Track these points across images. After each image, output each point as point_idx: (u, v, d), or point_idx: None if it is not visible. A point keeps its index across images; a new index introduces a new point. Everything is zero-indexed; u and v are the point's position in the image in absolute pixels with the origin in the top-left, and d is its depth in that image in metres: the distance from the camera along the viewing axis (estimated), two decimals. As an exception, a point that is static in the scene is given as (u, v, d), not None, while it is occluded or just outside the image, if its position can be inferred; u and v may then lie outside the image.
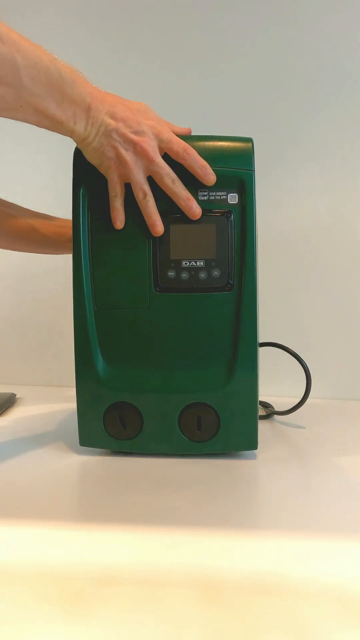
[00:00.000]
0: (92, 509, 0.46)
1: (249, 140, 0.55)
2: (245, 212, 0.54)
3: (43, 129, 0.50)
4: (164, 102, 0.91)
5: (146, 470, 0.53)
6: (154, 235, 0.54)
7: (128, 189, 0.53)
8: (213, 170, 0.53)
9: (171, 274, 0.55)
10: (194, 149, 0.53)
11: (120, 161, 0.51)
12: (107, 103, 0.49)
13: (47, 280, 0.96)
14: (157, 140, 0.51)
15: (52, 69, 0.45)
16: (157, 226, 0.53)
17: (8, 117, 0.47)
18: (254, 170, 0.54)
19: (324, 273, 0.89)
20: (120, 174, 0.52)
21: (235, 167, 0.54)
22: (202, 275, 0.54)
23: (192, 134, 0.57)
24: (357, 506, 0.46)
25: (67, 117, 0.48)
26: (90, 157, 0.52)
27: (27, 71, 0.44)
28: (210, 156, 0.53)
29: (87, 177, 0.54)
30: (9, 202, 0.72)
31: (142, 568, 0.36)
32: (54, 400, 0.85)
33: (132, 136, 0.50)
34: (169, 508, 0.45)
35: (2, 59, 0.42)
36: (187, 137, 0.54)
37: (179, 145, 0.52)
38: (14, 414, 0.77)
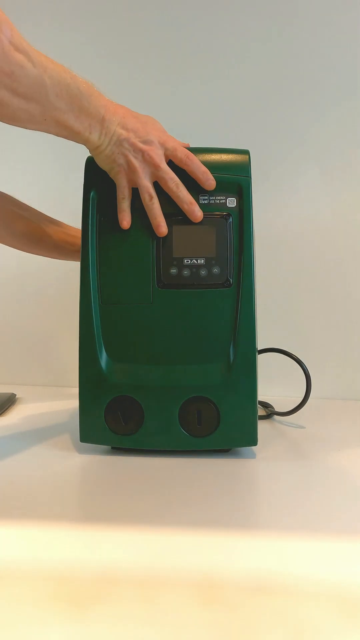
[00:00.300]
0: (92, 508, 0.46)
1: (246, 152, 0.59)
2: (243, 215, 0.57)
3: (47, 137, 0.54)
4: (165, 102, 0.91)
5: (146, 470, 0.53)
6: (158, 235, 0.57)
7: (134, 194, 0.57)
8: (214, 176, 0.57)
9: (173, 270, 0.57)
10: (199, 159, 0.57)
11: (130, 167, 0.55)
12: (119, 115, 0.54)
13: (48, 280, 0.97)
14: (162, 148, 0.55)
15: (72, 86, 0.49)
16: (162, 227, 0.56)
17: (31, 129, 0.51)
18: (250, 177, 0.57)
19: (323, 273, 0.89)
20: (129, 179, 0.56)
21: (233, 174, 0.57)
22: (203, 272, 0.57)
23: (196, 146, 0.60)
24: (357, 506, 0.46)
25: (84, 128, 0.52)
26: (102, 163, 0.56)
27: (53, 89, 0.48)
28: (212, 165, 0.57)
29: (97, 182, 0.58)
30: (24, 205, 0.75)
31: (142, 568, 0.36)
32: (54, 400, 0.85)
33: (141, 145, 0.54)
34: (169, 508, 0.45)
35: (34, 81, 0.47)
36: (190, 149, 0.58)
37: (183, 152, 0.56)
38: (14, 414, 0.77)
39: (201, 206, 0.57)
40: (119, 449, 0.59)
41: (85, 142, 0.54)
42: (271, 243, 0.89)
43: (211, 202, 0.57)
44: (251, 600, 0.32)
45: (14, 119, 0.49)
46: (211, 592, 0.33)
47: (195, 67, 0.90)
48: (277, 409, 0.76)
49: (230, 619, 0.30)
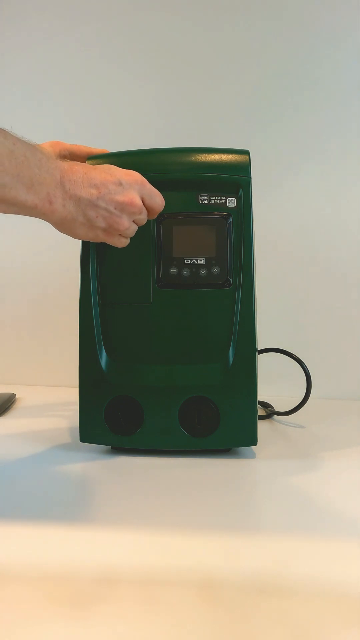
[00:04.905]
0: (92, 508, 0.46)
1: (246, 152, 0.59)
2: (243, 215, 0.57)
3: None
4: (165, 102, 0.91)
5: (146, 470, 0.53)
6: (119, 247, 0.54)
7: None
8: (215, 177, 0.57)
9: (173, 270, 0.57)
10: (198, 159, 0.57)
11: (114, 226, 0.49)
12: (79, 173, 0.46)
13: (48, 280, 0.97)
14: (135, 187, 0.50)
15: (17, 152, 0.40)
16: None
17: None
18: (250, 177, 0.57)
19: (323, 273, 0.89)
20: (116, 234, 0.51)
21: (234, 174, 0.57)
22: (203, 272, 0.57)
23: (196, 146, 0.60)
24: (356, 506, 0.46)
25: (41, 200, 0.43)
26: (80, 234, 0.49)
27: None
28: (213, 165, 0.57)
29: None
30: None
31: (142, 568, 0.36)
32: (54, 400, 0.85)
33: (120, 197, 0.48)
34: (169, 508, 0.45)
35: None
36: (192, 150, 0.58)
37: (151, 188, 0.52)
38: (14, 414, 0.77)
39: (200, 206, 0.57)
40: (118, 449, 0.59)
41: (45, 216, 0.45)
42: (271, 243, 0.88)
43: (211, 202, 0.57)
44: (251, 600, 0.32)
45: None
46: (211, 592, 0.33)
47: (195, 67, 0.90)
48: (277, 409, 0.76)
49: (230, 619, 0.30)
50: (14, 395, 0.84)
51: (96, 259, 0.58)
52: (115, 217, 0.48)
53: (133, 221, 0.51)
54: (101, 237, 0.50)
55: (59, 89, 0.94)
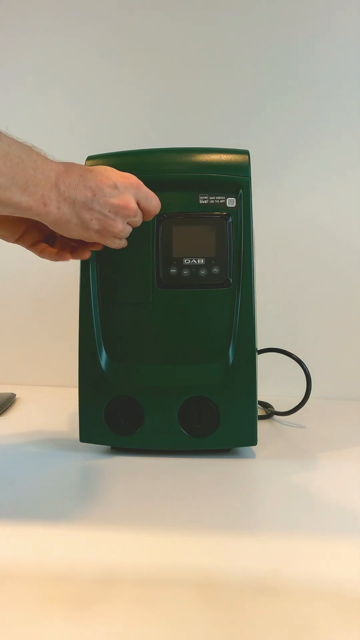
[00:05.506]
0: (92, 508, 0.46)
1: (246, 152, 0.59)
2: (243, 215, 0.57)
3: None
4: (165, 102, 0.91)
5: (146, 470, 0.53)
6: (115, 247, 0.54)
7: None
8: (215, 177, 0.57)
9: (173, 270, 0.57)
10: (198, 159, 0.57)
11: (108, 229, 0.49)
12: (74, 175, 0.46)
13: (48, 280, 0.97)
14: (130, 190, 0.50)
15: (12, 154, 0.41)
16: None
17: None
18: (250, 177, 0.57)
19: (323, 273, 0.89)
20: (110, 235, 0.51)
21: (233, 174, 0.57)
22: (202, 272, 0.57)
23: (196, 146, 0.60)
24: (356, 506, 0.46)
25: (36, 201, 0.43)
26: (73, 234, 0.49)
27: None
28: (213, 165, 0.57)
29: None
30: None
31: (142, 568, 0.36)
32: (54, 400, 0.85)
33: (115, 200, 0.48)
34: (169, 508, 0.45)
35: None
36: (192, 150, 0.58)
37: (147, 190, 0.52)
38: (14, 414, 0.77)
39: (200, 206, 0.57)
40: (118, 449, 0.59)
41: (40, 217, 0.45)
42: (271, 243, 0.88)
43: (211, 202, 0.57)
44: (251, 600, 0.32)
45: None
46: (211, 592, 0.33)
47: (195, 67, 0.90)
48: (277, 409, 0.76)
49: (231, 619, 0.30)
50: (14, 395, 0.84)
51: (96, 259, 0.58)
52: (109, 220, 0.48)
53: (128, 223, 0.51)
54: (95, 238, 0.50)
55: (58, 88, 0.94)
